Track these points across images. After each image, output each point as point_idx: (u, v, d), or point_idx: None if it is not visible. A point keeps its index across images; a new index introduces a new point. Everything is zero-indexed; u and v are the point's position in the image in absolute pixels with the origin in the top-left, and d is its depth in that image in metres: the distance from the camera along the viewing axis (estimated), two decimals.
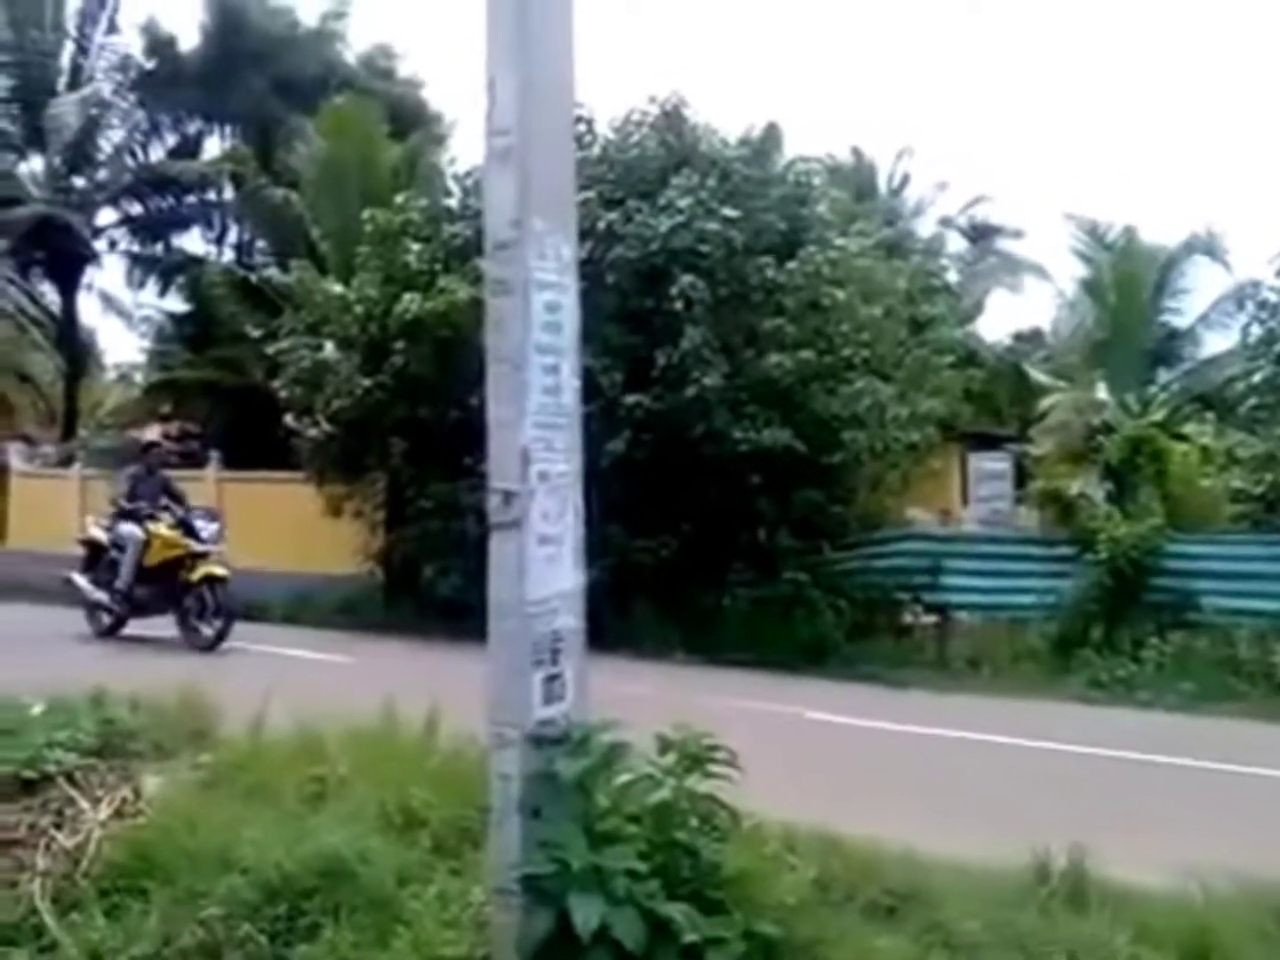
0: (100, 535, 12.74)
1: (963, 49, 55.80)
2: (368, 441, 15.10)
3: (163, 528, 12.14)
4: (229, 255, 25.44)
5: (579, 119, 14.38)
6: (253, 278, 21.18)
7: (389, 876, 3.73)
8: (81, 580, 12.66)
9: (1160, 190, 44.17)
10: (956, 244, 26.97)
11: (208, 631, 11.67)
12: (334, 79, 23.99)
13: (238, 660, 10.95)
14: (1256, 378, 12.42)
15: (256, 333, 18.35)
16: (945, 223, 26.72)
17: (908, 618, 13.60)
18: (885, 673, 11.84)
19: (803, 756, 7.03)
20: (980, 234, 26.99)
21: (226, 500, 17.03)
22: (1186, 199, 48.07)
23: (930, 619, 13.43)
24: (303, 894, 3.59)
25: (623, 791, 3.23)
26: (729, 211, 13.07)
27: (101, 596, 12.47)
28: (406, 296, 13.87)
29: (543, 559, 3.24)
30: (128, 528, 12.26)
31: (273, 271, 20.21)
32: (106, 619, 12.60)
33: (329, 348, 15.06)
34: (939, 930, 3.54)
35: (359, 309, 14.67)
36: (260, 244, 24.82)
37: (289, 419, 15.69)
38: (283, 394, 15.49)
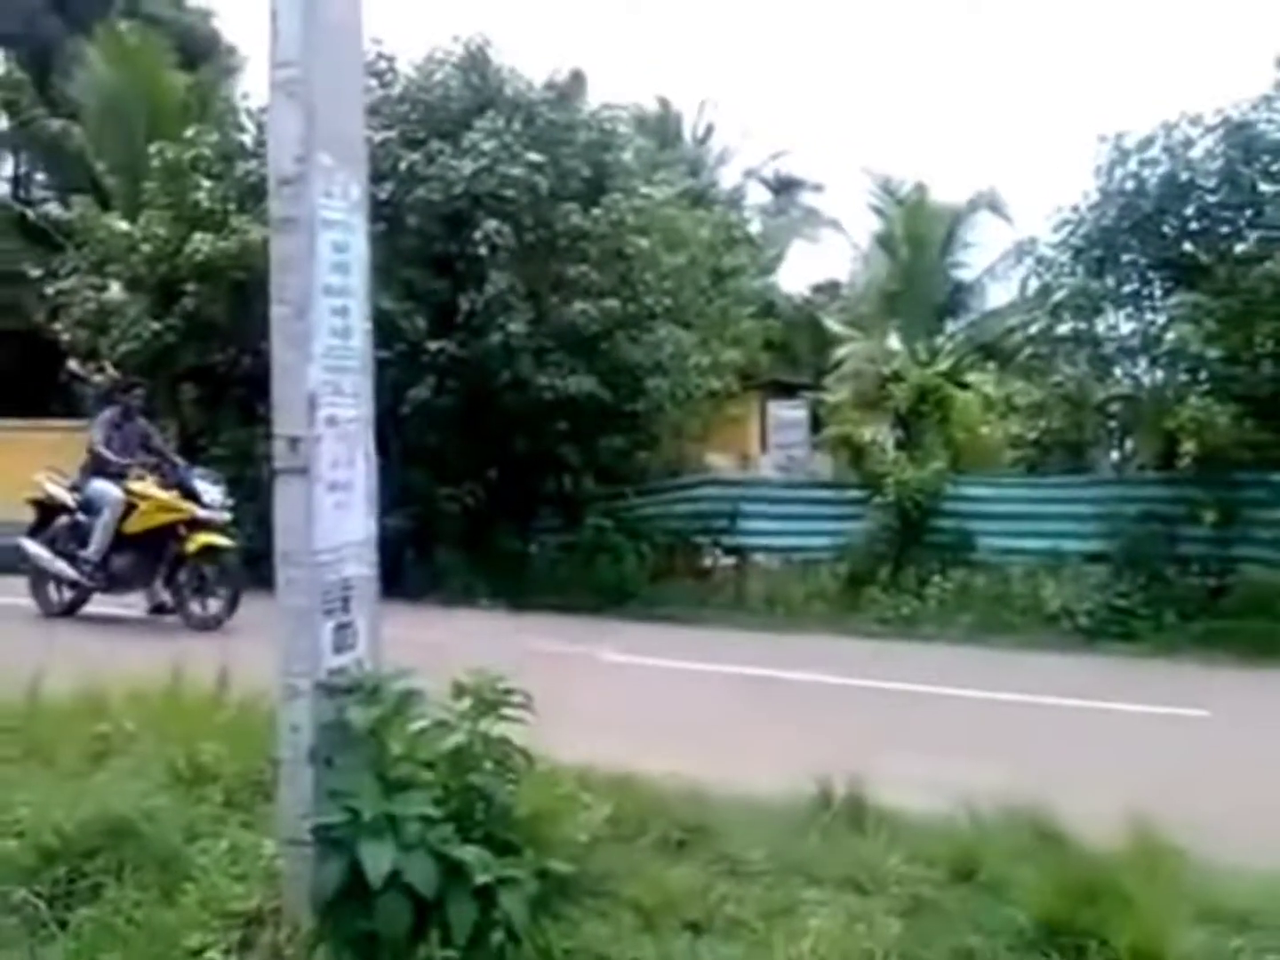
0: (58, 493, 10.49)
1: (764, 2, 56.50)
2: (157, 387, 14.46)
3: (151, 487, 10.13)
4: (3, 189, 23.73)
5: (379, 56, 14.03)
6: (30, 213, 19.91)
7: (176, 833, 3.63)
8: (37, 547, 10.40)
9: (948, 148, 45.88)
10: (759, 195, 27.49)
11: (208, 610, 9.93)
12: (118, 2, 22.56)
13: (22, 621, 10.13)
14: (1032, 329, 13.08)
15: (36, 272, 17.16)
16: (748, 174, 27.16)
17: (707, 560, 14.02)
18: (686, 614, 12.21)
19: (602, 697, 7.13)
20: (782, 186, 27.53)
21: (3, 451, 16.03)
22: (972, 157, 50.13)
23: (729, 561, 13.88)
24: (84, 855, 3.46)
25: (416, 738, 3.21)
26: (534, 156, 12.95)
27: (63, 567, 10.31)
28: (197, 236, 13.29)
29: (331, 506, 3.18)
30: (101, 485, 10.16)
31: (52, 207, 19.01)
32: (64, 595, 10.50)
33: (115, 288, 14.36)
34: (726, 860, 3.67)
35: (147, 248, 13.98)
36: (39, 177, 23.32)
37: (72, 364, 14.90)
38: (65, 337, 14.70)
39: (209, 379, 14.34)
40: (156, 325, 13.75)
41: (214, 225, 13.50)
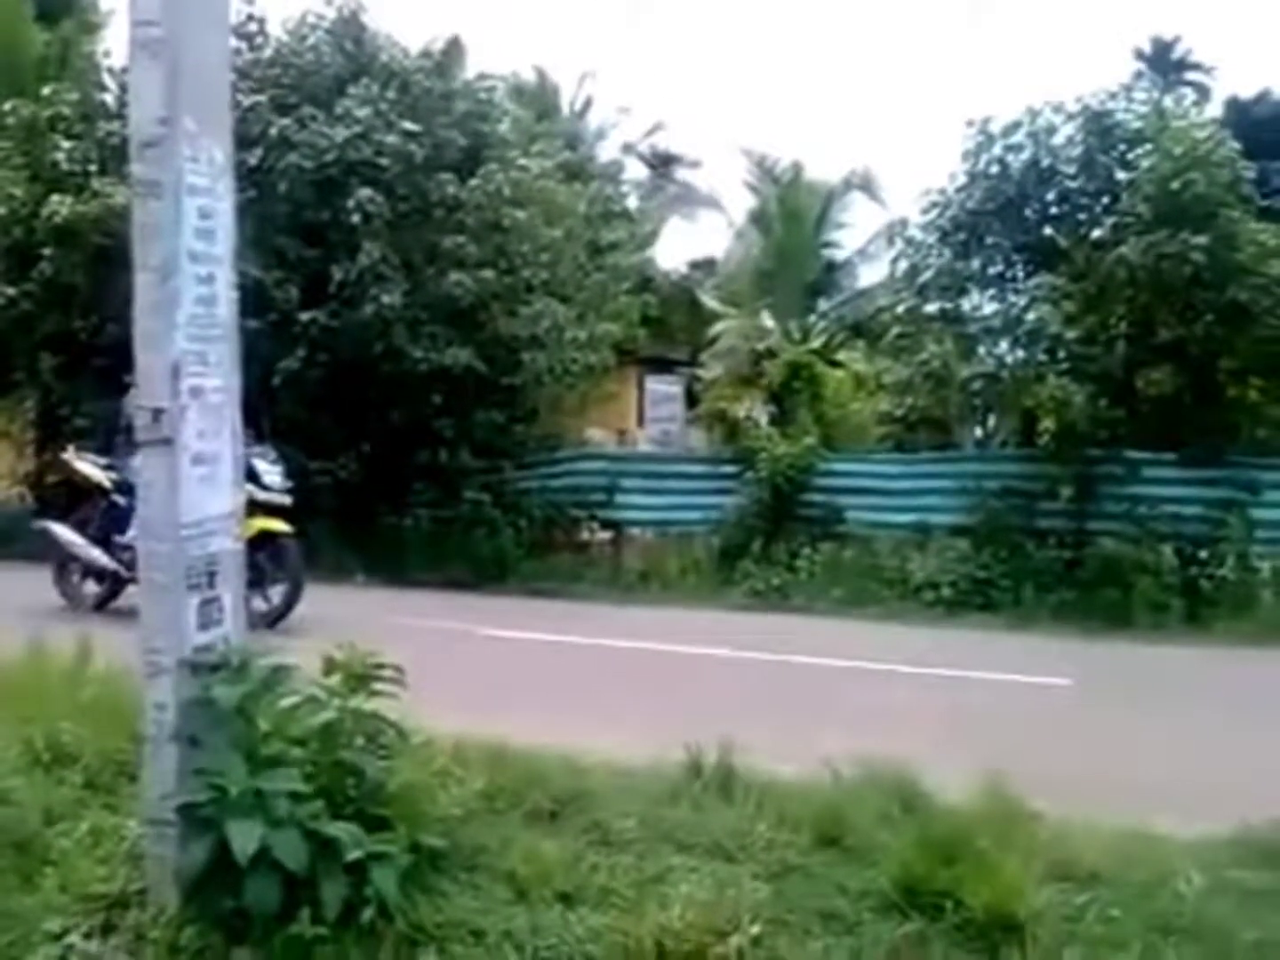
0: (92, 472, 9.51)
1: None
2: (14, 356, 13.96)
3: None
4: None
5: (249, 18, 13.72)
6: None
7: (34, 816, 3.52)
8: (67, 532, 9.42)
9: (825, 128, 46.49)
10: (637, 171, 27.47)
11: (268, 603, 8.97)
12: None
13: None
14: (900, 308, 13.37)
15: None
16: (627, 149, 27.10)
17: (584, 534, 14.05)
18: (562, 588, 12.26)
19: (479, 672, 7.15)
20: (660, 162, 27.56)
21: None
22: (848, 138, 50.89)
23: (605, 535, 13.93)
24: None
25: (286, 714, 3.17)
26: (409, 125, 12.80)
27: (98, 555, 9.33)
28: (55, 198, 12.83)
29: (196, 479, 3.11)
30: None
31: None
32: (97, 587, 9.52)
33: None
34: (598, 829, 3.70)
35: (1, 209, 13.41)
36: None
37: None
38: None
39: (70, 347, 13.81)
40: (12, 291, 13.30)
41: (74, 187, 13.06)
